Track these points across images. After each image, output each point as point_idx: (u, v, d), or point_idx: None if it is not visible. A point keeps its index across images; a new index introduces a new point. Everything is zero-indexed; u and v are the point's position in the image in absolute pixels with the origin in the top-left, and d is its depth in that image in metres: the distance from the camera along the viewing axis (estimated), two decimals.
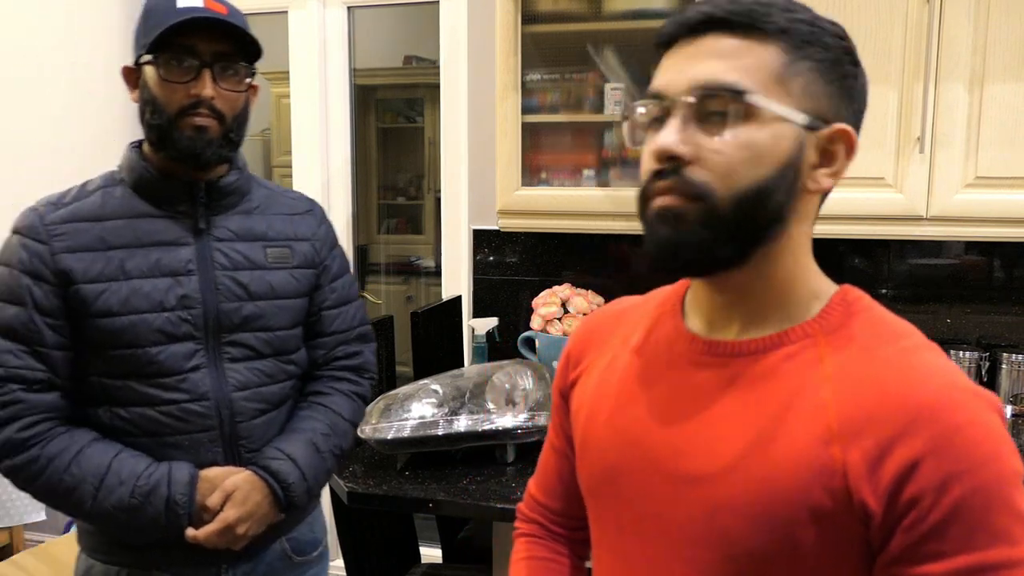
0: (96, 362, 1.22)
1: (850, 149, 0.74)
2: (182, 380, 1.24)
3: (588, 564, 0.95)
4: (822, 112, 0.72)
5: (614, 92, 2.20)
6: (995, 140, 1.93)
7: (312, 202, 1.44)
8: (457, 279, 2.72)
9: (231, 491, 1.24)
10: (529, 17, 2.21)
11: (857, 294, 0.77)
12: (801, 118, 0.70)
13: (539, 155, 2.31)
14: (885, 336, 0.73)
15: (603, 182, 2.24)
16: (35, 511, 2.88)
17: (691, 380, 0.77)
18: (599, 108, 2.23)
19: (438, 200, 2.81)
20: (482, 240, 2.63)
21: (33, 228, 1.21)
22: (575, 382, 0.91)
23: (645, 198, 0.73)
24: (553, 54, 2.25)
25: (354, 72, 2.87)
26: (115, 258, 1.22)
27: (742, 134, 0.69)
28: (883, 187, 2.00)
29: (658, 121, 0.72)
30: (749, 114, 0.69)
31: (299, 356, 1.38)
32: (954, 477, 0.63)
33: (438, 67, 2.69)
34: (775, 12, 0.71)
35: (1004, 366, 2.15)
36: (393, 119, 3.60)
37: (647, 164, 0.73)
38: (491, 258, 2.64)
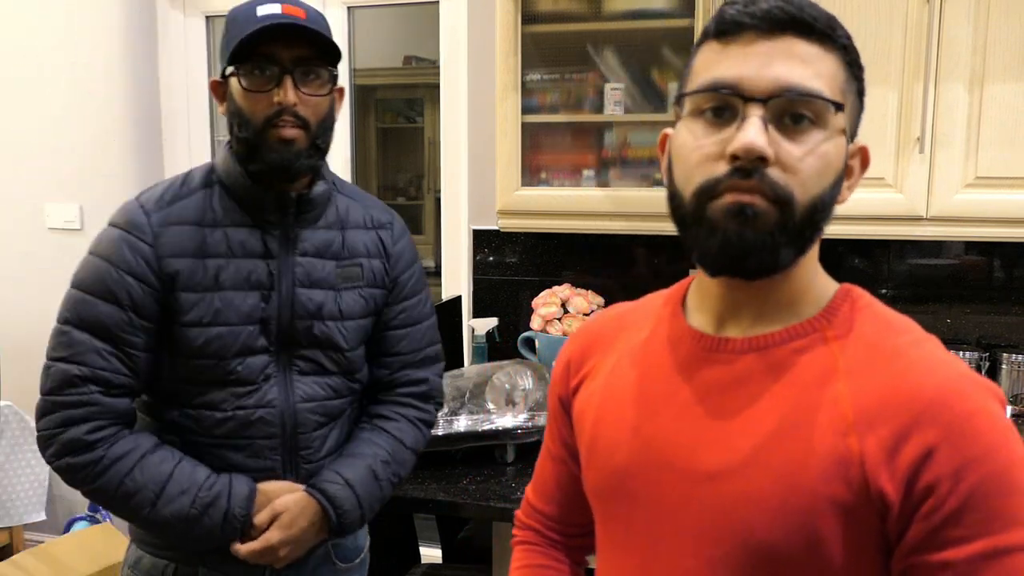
0: (174, 366, 1.22)
1: (865, 165, 0.78)
2: (255, 389, 1.24)
3: (592, 565, 0.94)
4: (853, 128, 0.76)
5: (614, 92, 2.20)
6: (995, 140, 1.93)
7: (391, 214, 1.42)
8: (457, 279, 2.72)
9: (279, 512, 1.24)
10: (529, 17, 2.21)
11: (859, 291, 0.79)
12: (849, 134, 0.74)
13: (539, 155, 2.31)
14: (890, 330, 0.75)
15: (603, 182, 2.24)
16: (35, 511, 2.88)
17: (701, 377, 0.77)
18: (599, 108, 2.22)
19: (438, 200, 2.81)
20: (482, 240, 2.63)
21: (139, 226, 1.19)
22: (577, 388, 0.90)
23: (711, 193, 0.71)
24: (553, 54, 2.25)
25: (354, 72, 2.87)
26: (212, 267, 1.21)
27: (818, 143, 0.70)
28: (883, 187, 2.00)
29: (718, 114, 0.72)
30: (824, 123, 0.71)
31: (363, 373, 1.37)
32: (969, 464, 0.65)
33: (438, 67, 2.69)
34: (837, 25, 0.73)
35: (1004, 366, 2.15)
36: (393, 119, 3.60)
37: (714, 158, 0.71)
38: (491, 258, 2.64)
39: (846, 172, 0.75)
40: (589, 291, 2.37)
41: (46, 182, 2.95)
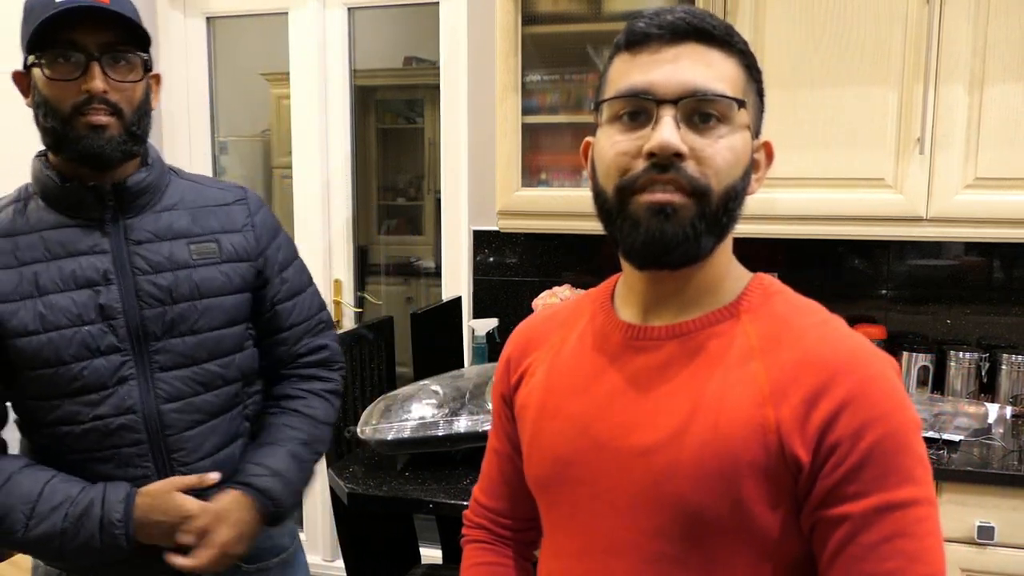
0: (16, 384, 1.17)
1: (770, 158, 0.85)
2: (109, 395, 1.17)
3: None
4: (758, 127, 0.84)
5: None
6: (995, 141, 1.93)
7: (243, 190, 1.35)
8: (457, 280, 2.72)
9: (222, 513, 1.20)
10: (529, 18, 2.21)
11: (770, 279, 0.86)
12: (753, 129, 0.82)
13: (539, 156, 2.31)
14: (800, 311, 0.82)
15: None
16: None
17: (630, 365, 0.83)
18: None
19: (438, 201, 2.80)
20: (482, 241, 2.64)
21: None
22: (518, 385, 0.95)
23: (632, 188, 0.78)
24: (553, 55, 2.25)
25: (354, 73, 2.87)
26: (27, 274, 1.15)
27: (727, 137, 0.78)
28: (883, 188, 2.00)
29: (634, 117, 0.79)
30: (729, 120, 0.78)
31: (241, 359, 1.29)
32: (868, 424, 0.72)
33: (438, 68, 2.69)
34: (734, 32, 0.81)
35: (1004, 367, 2.15)
36: (393, 120, 3.60)
37: (632, 155, 0.78)
38: (491, 259, 2.64)
39: (753, 165, 0.83)
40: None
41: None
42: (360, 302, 3.02)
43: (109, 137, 1.14)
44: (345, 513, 1.96)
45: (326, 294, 2.95)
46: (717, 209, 0.78)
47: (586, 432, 0.84)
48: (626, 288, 0.89)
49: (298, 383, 1.37)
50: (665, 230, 0.77)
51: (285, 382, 1.36)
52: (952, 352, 2.19)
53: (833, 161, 2.02)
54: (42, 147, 1.21)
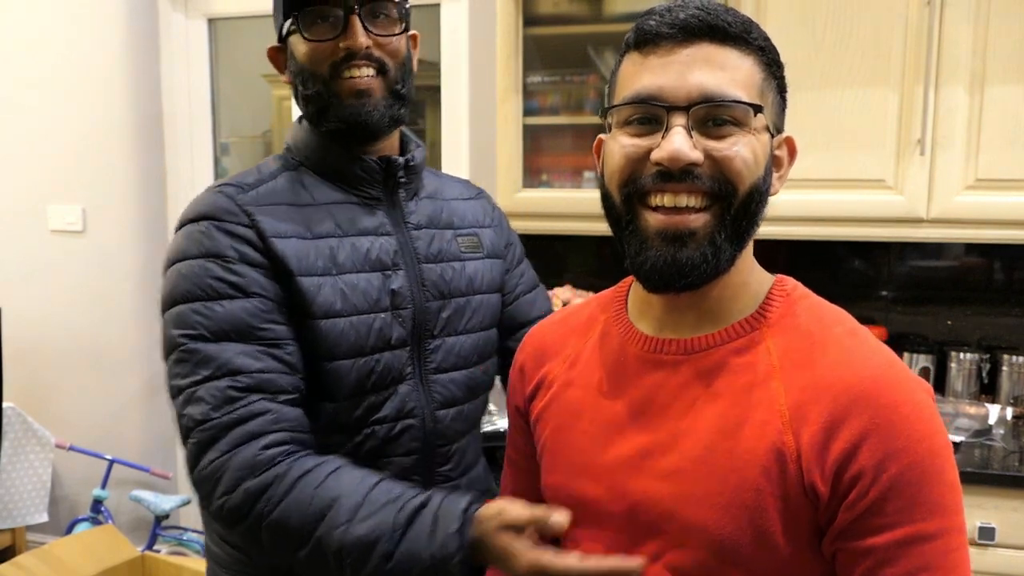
0: (316, 384, 1.01)
1: (792, 154, 0.81)
2: (390, 395, 1.03)
3: None
4: (779, 124, 0.79)
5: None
6: (995, 142, 1.93)
7: (479, 187, 1.29)
8: None
9: None
10: (530, 19, 2.21)
11: (793, 283, 0.82)
12: (772, 129, 0.77)
13: (540, 157, 2.31)
14: (824, 322, 0.77)
15: None
16: (37, 512, 2.88)
17: (649, 381, 0.80)
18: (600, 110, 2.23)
19: None
20: None
21: (229, 211, 1.00)
22: (533, 395, 0.92)
23: (639, 196, 0.75)
24: (554, 56, 2.26)
25: None
26: (324, 248, 1.02)
27: (744, 140, 0.73)
28: (883, 189, 2.00)
29: (644, 122, 0.75)
30: (745, 124, 0.74)
31: (494, 363, 1.19)
32: (891, 455, 0.68)
33: (439, 69, 2.69)
34: (753, 27, 0.76)
35: (1005, 368, 2.15)
36: None
37: (638, 159, 0.74)
38: None
39: (775, 163, 0.79)
40: (590, 293, 2.37)
41: (48, 184, 2.95)
42: None
43: (376, 103, 1.04)
44: None
45: None
46: (738, 214, 0.74)
47: (604, 451, 0.81)
48: (640, 298, 0.84)
49: None
50: (679, 256, 0.73)
51: None
52: (953, 353, 2.19)
53: (833, 162, 2.02)
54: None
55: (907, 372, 0.73)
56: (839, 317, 0.79)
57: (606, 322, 0.88)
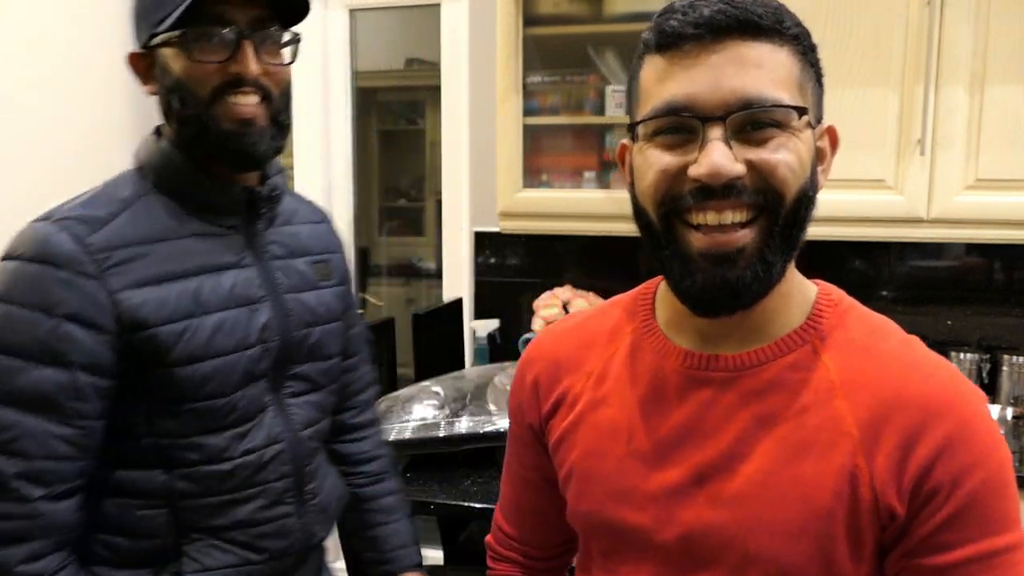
0: (160, 421, 0.97)
1: (834, 144, 0.76)
2: (257, 424, 1.02)
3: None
4: (819, 114, 0.73)
5: (615, 94, 2.20)
6: (995, 142, 1.93)
7: (325, 210, 1.24)
8: (458, 281, 2.72)
9: None
10: (530, 19, 2.21)
11: (838, 292, 0.78)
12: (814, 122, 0.71)
13: (540, 157, 2.31)
14: (877, 334, 0.74)
15: (604, 184, 2.24)
16: None
17: (695, 400, 0.74)
18: (600, 110, 2.23)
19: (439, 202, 2.81)
20: (483, 242, 2.64)
21: (73, 259, 0.90)
22: (552, 414, 0.84)
23: (678, 213, 0.69)
24: (554, 56, 2.25)
25: (355, 75, 2.88)
26: (187, 288, 0.96)
27: (788, 144, 0.67)
28: (883, 189, 2.00)
29: (676, 132, 0.69)
30: (789, 126, 0.68)
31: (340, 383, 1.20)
32: (968, 469, 0.65)
33: (439, 69, 2.69)
34: (784, 14, 0.69)
35: (1005, 368, 2.15)
36: (394, 121, 3.61)
37: (674, 175, 0.68)
38: (492, 260, 2.64)
39: (818, 157, 0.73)
40: (590, 293, 2.37)
41: (48, 184, 2.95)
42: (361, 303, 3.02)
43: (259, 132, 0.97)
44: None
45: None
46: (787, 223, 0.68)
47: (649, 476, 0.75)
48: (676, 310, 0.76)
49: (367, 430, 1.29)
50: (728, 277, 0.67)
51: (360, 430, 1.28)
52: (953, 353, 2.18)
53: (834, 162, 2.02)
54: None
55: (968, 382, 0.71)
56: (890, 328, 0.75)
57: (635, 334, 0.80)
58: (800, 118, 0.68)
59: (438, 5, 2.66)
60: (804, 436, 0.69)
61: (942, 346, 2.26)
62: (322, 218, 1.21)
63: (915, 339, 0.74)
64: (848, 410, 0.69)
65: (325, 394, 1.13)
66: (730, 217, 0.67)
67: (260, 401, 1.02)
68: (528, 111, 2.24)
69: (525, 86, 2.24)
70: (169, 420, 0.97)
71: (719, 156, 0.65)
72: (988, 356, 2.18)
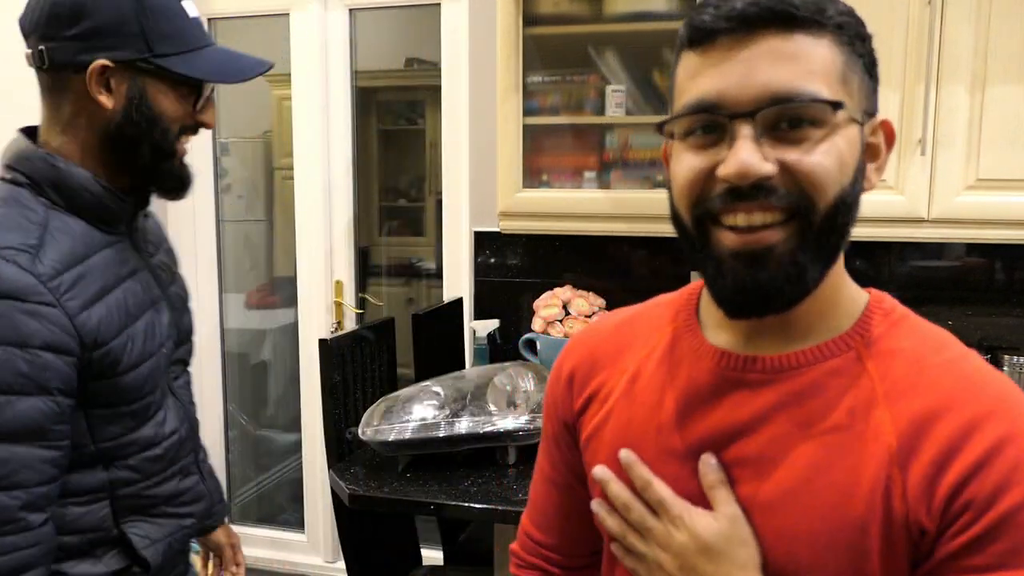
0: (101, 428, 1.04)
1: (890, 140, 0.70)
2: (167, 408, 1.14)
3: None
4: (870, 107, 0.68)
5: (615, 94, 2.20)
6: (996, 142, 1.93)
7: None
8: (458, 281, 2.72)
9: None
10: (530, 19, 2.21)
11: (891, 301, 0.74)
12: (861, 117, 0.67)
13: (540, 157, 2.31)
14: (930, 345, 0.69)
15: (604, 184, 2.24)
16: None
17: (731, 402, 0.71)
18: (600, 110, 2.23)
19: (439, 202, 2.80)
20: (483, 242, 2.64)
21: (31, 288, 0.92)
22: (584, 409, 0.83)
23: (710, 217, 0.67)
24: (554, 56, 2.25)
25: (355, 74, 2.87)
26: (120, 301, 1.03)
27: (826, 142, 0.64)
28: (884, 189, 2.00)
29: (708, 131, 0.67)
30: (826, 122, 0.64)
31: None
32: (1005, 487, 0.61)
33: (439, 69, 2.69)
34: (827, 3, 0.65)
35: (1006, 368, 2.15)
36: (394, 121, 3.60)
37: (704, 177, 0.66)
38: (492, 260, 2.64)
39: (869, 154, 0.69)
40: (590, 293, 2.37)
41: None
42: (361, 303, 3.02)
43: (185, 165, 1.10)
44: (346, 514, 1.96)
45: (327, 295, 2.95)
46: (822, 229, 0.64)
47: (678, 478, 0.72)
48: (715, 311, 0.73)
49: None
50: (759, 278, 0.65)
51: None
52: None
53: None
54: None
55: (1021, 401, 0.65)
56: (945, 340, 0.70)
57: (675, 332, 0.78)
58: (837, 113, 0.64)
59: (438, 5, 2.65)
60: (842, 445, 0.66)
61: None
62: (147, 213, 1.26)
63: (972, 353, 0.69)
64: (889, 420, 0.66)
65: (188, 372, 1.27)
66: (760, 219, 0.64)
67: (164, 389, 1.13)
68: (528, 111, 2.24)
69: (525, 86, 2.23)
70: (109, 425, 1.04)
71: (747, 155, 0.63)
72: (989, 356, 2.18)
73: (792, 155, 0.64)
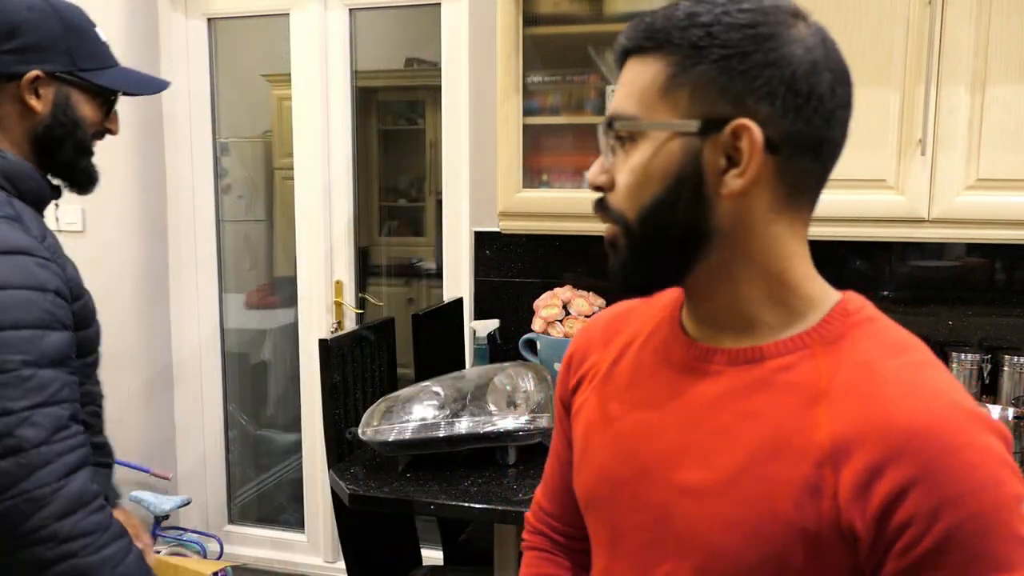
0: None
1: (753, 141, 0.68)
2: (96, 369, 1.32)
3: None
4: (719, 113, 0.68)
5: (615, 94, 2.20)
6: (996, 142, 1.93)
7: None
8: (458, 281, 2.72)
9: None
10: (530, 19, 2.21)
11: (860, 303, 0.74)
12: (690, 126, 0.68)
13: (540, 157, 2.31)
14: (887, 349, 0.69)
15: None
16: None
17: (689, 388, 0.75)
18: (600, 110, 2.23)
19: (439, 202, 2.80)
20: (483, 242, 2.63)
21: (35, 246, 1.12)
22: (576, 388, 0.89)
23: None
24: (554, 56, 2.25)
25: (355, 74, 2.87)
26: (69, 262, 1.22)
27: (635, 157, 0.71)
28: (884, 189, 2.00)
29: None
30: (639, 137, 0.71)
31: None
32: (947, 503, 0.61)
33: (439, 69, 2.69)
34: (669, 25, 0.69)
35: (1006, 368, 2.15)
36: (394, 121, 3.60)
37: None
38: (492, 260, 2.64)
39: (732, 159, 0.69)
40: (591, 293, 2.37)
41: None
42: (361, 303, 3.02)
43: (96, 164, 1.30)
44: (346, 514, 1.96)
45: (327, 295, 2.95)
46: (642, 237, 0.72)
47: (633, 454, 0.77)
48: (685, 301, 0.80)
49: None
50: (613, 263, 0.76)
51: None
52: (954, 353, 2.18)
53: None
54: None
55: (978, 414, 0.64)
56: (905, 345, 0.70)
57: (660, 322, 0.83)
58: (647, 127, 0.70)
59: (438, 5, 2.65)
60: (779, 439, 0.68)
61: (943, 346, 2.25)
62: None
63: (935, 363, 0.69)
64: (827, 420, 0.67)
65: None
66: (606, 231, 0.76)
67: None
68: (528, 111, 2.24)
69: (525, 86, 2.23)
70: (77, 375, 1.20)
71: (595, 166, 0.75)
72: (989, 356, 2.18)
73: (616, 168, 0.73)
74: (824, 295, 0.74)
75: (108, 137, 1.31)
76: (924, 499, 0.61)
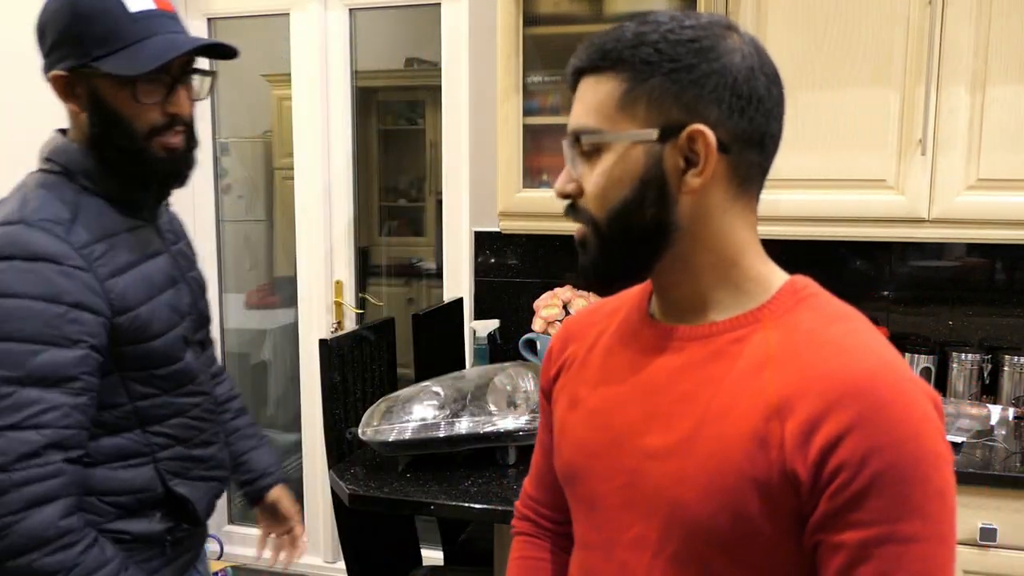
0: (133, 388, 1.13)
1: (708, 144, 0.75)
2: (199, 382, 1.24)
3: None
4: (674, 120, 0.76)
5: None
6: (997, 142, 1.93)
7: None
8: (458, 281, 2.72)
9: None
10: (530, 19, 2.21)
11: (805, 282, 0.82)
12: (651, 135, 0.76)
13: (540, 157, 2.31)
14: (828, 319, 0.77)
15: None
16: None
17: (654, 363, 0.83)
18: None
19: (439, 202, 2.80)
20: (483, 242, 2.63)
21: (64, 253, 1.03)
22: (556, 377, 0.96)
23: None
24: (554, 56, 2.25)
25: (355, 74, 2.87)
26: (145, 274, 1.13)
27: (601, 164, 0.80)
28: (885, 189, 2.00)
29: None
30: (603, 147, 0.79)
31: None
32: (875, 451, 0.68)
33: (439, 69, 2.69)
34: (620, 45, 0.78)
35: (1006, 368, 2.15)
36: (394, 121, 3.60)
37: None
38: (492, 260, 2.64)
39: (690, 160, 0.76)
40: (590, 293, 2.37)
41: None
42: (361, 303, 3.02)
43: (184, 155, 1.15)
44: (346, 514, 1.96)
45: (327, 295, 2.95)
46: (611, 234, 0.80)
47: (606, 427, 0.85)
48: (654, 289, 0.89)
49: (224, 375, 1.62)
50: (583, 261, 0.84)
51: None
52: (954, 353, 2.18)
53: (835, 163, 2.02)
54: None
55: (907, 374, 0.72)
56: (843, 314, 0.78)
57: (630, 308, 0.91)
58: (608, 135, 0.78)
59: (438, 5, 2.65)
60: (731, 400, 0.76)
61: (943, 346, 2.26)
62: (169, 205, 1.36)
63: (870, 330, 0.77)
64: (773, 380, 0.74)
65: (211, 350, 1.37)
66: (576, 232, 0.85)
67: (195, 363, 1.23)
68: (528, 111, 2.24)
69: (525, 86, 2.24)
70: (142, 387, 1.14)
71: (562, 176, 0.85)
72: (989, 356, 2.18)
73: (584, 175, 0.83)
74: (773, 276, 0.82)
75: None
76: (855, 447, 0.68)
